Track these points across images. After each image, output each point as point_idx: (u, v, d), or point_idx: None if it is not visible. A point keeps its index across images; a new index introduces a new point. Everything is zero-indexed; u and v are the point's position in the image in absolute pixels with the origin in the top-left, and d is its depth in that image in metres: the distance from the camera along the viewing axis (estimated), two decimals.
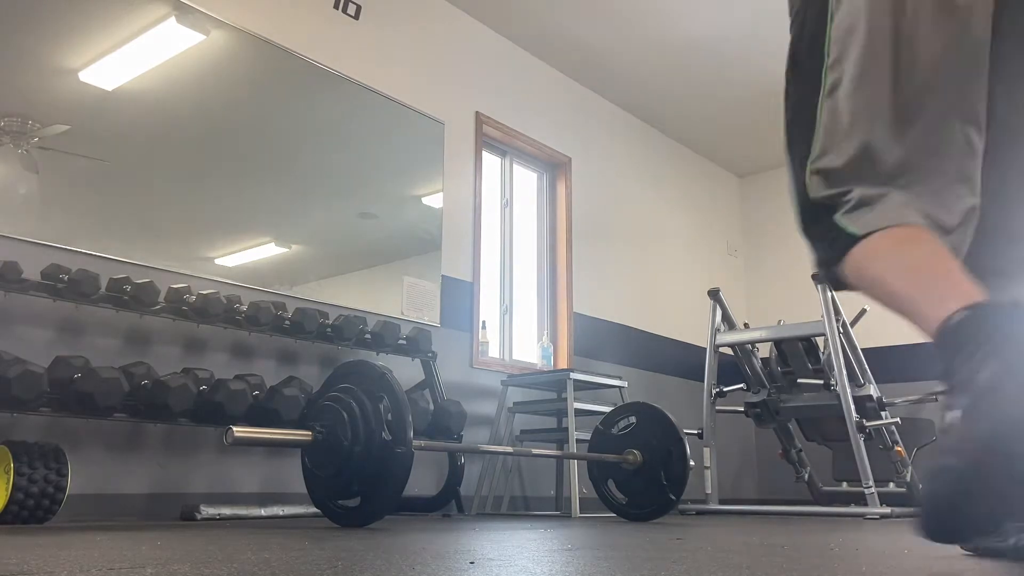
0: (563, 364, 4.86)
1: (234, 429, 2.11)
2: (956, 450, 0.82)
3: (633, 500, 3.41)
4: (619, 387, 4.25)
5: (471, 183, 4.52)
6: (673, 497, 3.23)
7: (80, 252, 2.86)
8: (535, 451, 3.43)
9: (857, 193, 1.07)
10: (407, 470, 2.25)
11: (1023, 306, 0.91)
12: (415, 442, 2.29)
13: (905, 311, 1.01)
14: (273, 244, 3.59)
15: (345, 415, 2.32)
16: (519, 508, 4.36)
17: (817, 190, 1.12)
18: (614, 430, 3.50)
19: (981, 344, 0.89)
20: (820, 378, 4.59)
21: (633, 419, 3.44)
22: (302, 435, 2.36)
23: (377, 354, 3.55)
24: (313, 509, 3.07)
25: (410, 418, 2.28)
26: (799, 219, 1.17)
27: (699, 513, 4.44)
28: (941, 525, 0.84)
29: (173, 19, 3.31)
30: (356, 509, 2.39)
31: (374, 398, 2.34)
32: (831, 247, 1.09)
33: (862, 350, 4.64)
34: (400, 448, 2.24)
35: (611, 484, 3.48)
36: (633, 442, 3.35)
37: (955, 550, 1.45)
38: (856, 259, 1.06)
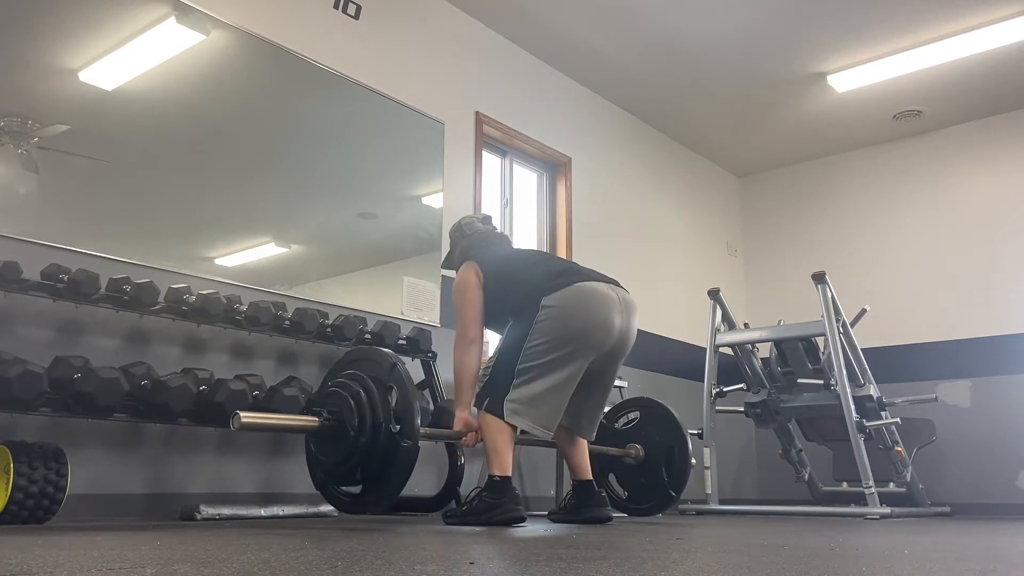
0: None
1: (241, 414, 2.13)
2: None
3: (634, 495, 3.42)
4: (619, 387, 4.25)
5: (471, 183, 4.52)
6: (674, 493, 3.24)
7: (80, 252, 2.87)
8: (534, 443, 3.41)
9: None
10: (412, 462, 2.27)
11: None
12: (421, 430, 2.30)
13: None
14: (273, 244, 3.59)
15: (352, 403, 2.33)
16: None
17: None
18: (617, 425, 3.51)
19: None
20: (820, 378, 4.59)
21: (636, 414, 3.45)
22: (309, 421, 2.38)
23: None
24: (313, 509, 3.07)
25: (419, 410, 2.29)
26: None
27: (699, 513, 4.44)
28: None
29: (173, 19, 3.31)
30: (358, 497, 2.40)
31: (383, 387, 2.34)
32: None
33: (862, 350, 4.64)
34: (406, 441, 2.25)
35: (612, 478, 3.49)
36: (635, 437, 3.35)
37: (955, 553, 1.47)
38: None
